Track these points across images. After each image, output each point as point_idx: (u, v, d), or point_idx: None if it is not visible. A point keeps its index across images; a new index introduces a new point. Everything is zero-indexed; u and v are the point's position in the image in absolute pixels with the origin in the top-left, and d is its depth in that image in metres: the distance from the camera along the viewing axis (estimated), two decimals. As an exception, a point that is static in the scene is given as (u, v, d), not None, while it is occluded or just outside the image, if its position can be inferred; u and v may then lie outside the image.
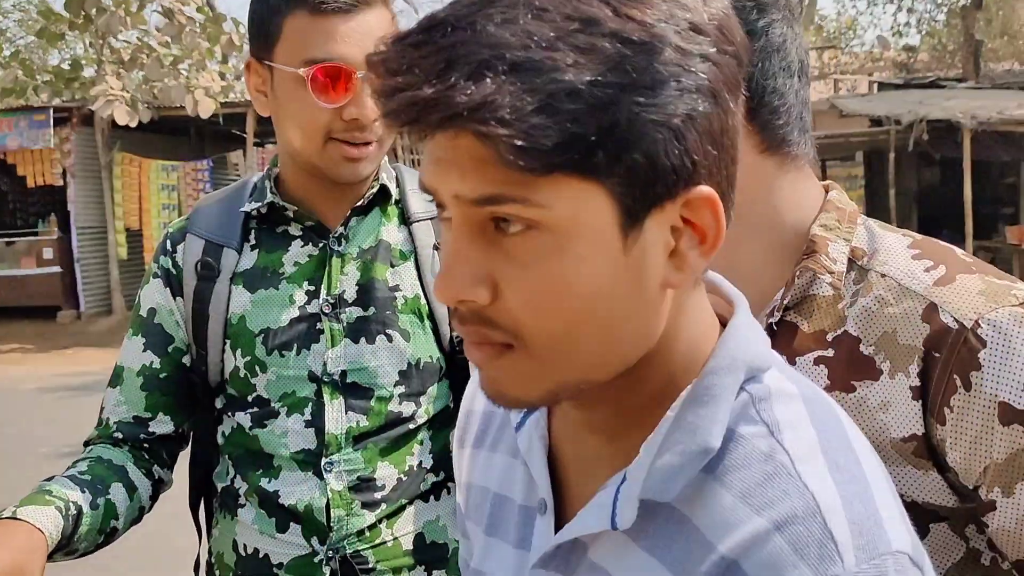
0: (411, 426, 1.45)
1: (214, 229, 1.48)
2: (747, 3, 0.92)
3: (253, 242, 1.48)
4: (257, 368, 1.42)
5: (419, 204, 1.50)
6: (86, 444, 1.49)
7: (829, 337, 0.94)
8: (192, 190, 13.99)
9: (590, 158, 0.60)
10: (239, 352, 1.43)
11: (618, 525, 0.69)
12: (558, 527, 0.76)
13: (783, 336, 0.97)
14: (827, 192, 1.01)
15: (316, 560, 1.40)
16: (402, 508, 1.44)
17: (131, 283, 14.27)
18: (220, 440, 1.49)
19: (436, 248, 1.48)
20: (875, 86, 18.01)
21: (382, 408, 1.42)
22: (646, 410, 0.71)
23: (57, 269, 13.73)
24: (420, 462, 1.45)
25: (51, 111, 13.03)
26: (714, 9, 0.65)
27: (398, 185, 1.52)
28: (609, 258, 0.64)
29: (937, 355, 0.87)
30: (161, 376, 1.47)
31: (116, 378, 1.50)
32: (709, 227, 0.66)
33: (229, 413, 1.47)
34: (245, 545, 1.45)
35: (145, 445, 1.48)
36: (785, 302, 0.96)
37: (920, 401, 0.88)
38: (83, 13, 11.08)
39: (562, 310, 0.64)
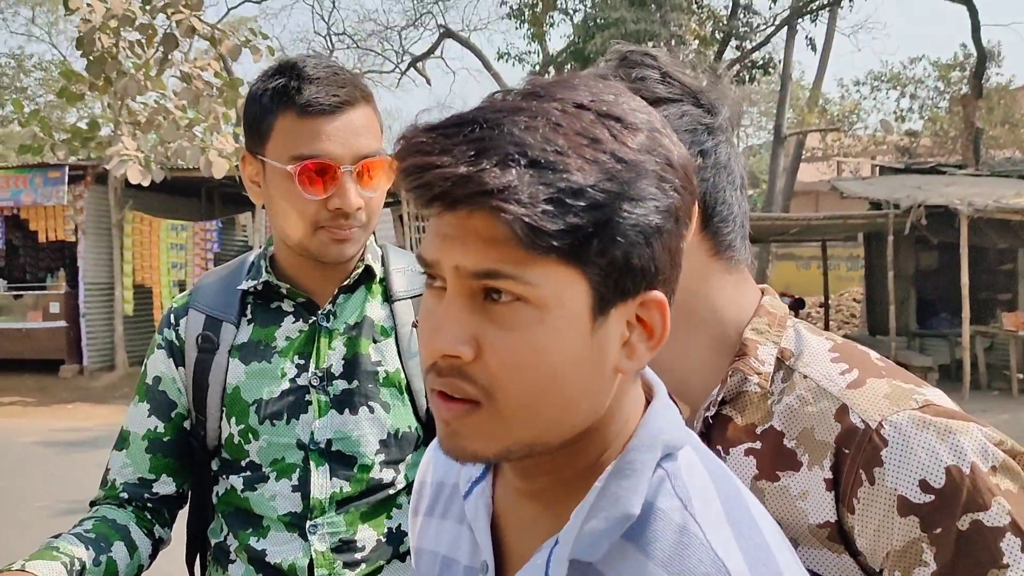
0: (391, 491, 1.54)
1: (214, 304, 1.60)
2: (699, 127, 1.04)
3: (249, 316, 1.59)
4: (250, 435, 1.53)
5: (401, 283, 1.62)
6: (92, 504, 1.59)
7: (758, 431, 1.03)
8: (200, 249, 14.19)
9: (583, 247, 0.73)
10: (234, 420, 1.53)
11: None
12: None
13: (718, 427, 1.07)
14: (762, 295, 1.12)
15: None
16: (380, 568, 1.53)
17: (135, 339, 14.37)
18: (215, 499, 1.59)
19: (415, 326, 1.57)
20: (877, 169, 18.29)
21: (364, 475, 1.52)
22: (580, 480, 0.82)
23: (63, 324, 13.82)
24: (399, 525, 1.55)
25: (66, 169, 13.24)
26: (682, 155, 0.80)
27: (383, 264, 1.63)
28: (579, 336, 0.75)
29: (847, 451, 0.96)
30: (165, 440, 1.58)
31: (122, 441, 1.61)
32: (657, 326, 0.79)
33: (224, 475, 1.56)
34: None
35: (149, 505, 1.58)
36: (720, 397, 1.06)
37: (833, 492, 0.97)
38: (104, 75, 11.35)
39: (534, 372, 0.74)
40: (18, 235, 14.86)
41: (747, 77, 20.66)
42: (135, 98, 12.95)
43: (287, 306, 1.58)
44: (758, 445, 1.03)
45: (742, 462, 1.03)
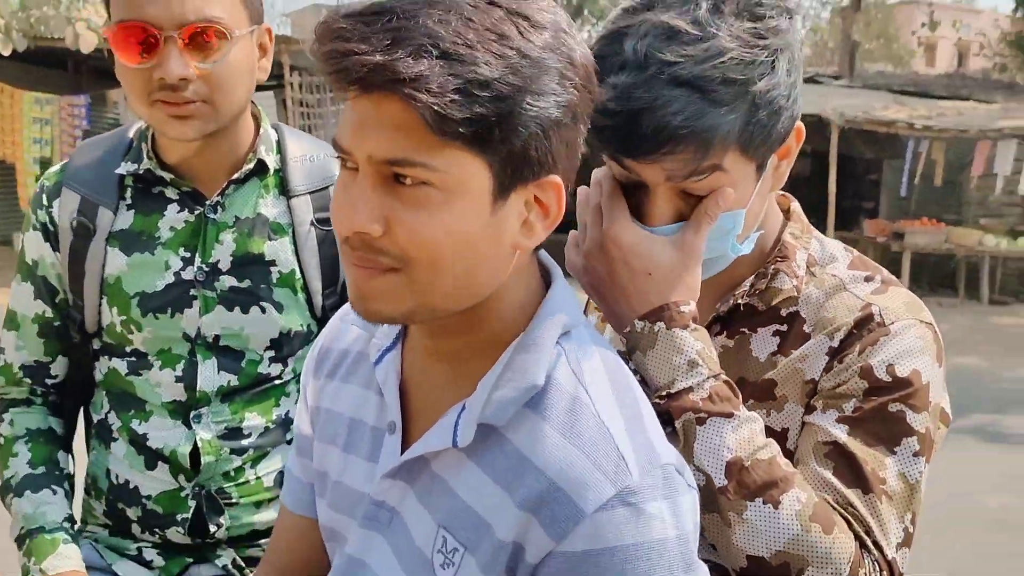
0: (277, 382, 1.55)
1: (90, 185, 1.50)
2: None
3: (129, 202, 1.50)
4: (133, 327, 1.49)
5: (299, 177, 1.54)
6: None
7: (783, 313, 1.20)
8: (68, 125, 13.44)
9: (486, 136, 0.80)
10: (115, 310, 1.49)
11: (458, 443, 0.90)
12: (405, 446, 0.97)
13: (743, 311, 1.21)
14: (790, 204, 1.27)
15: (183, 495, 1.51)
16: (267, 453, 1.56)
17: (-2, 216, 13.70)
18: (98, 376, 1.57)
19: (314, 224, 1.53)
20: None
21: (252, 370, 1.52)
22: (486, 348, 0.92)
23: (-84, 198, 13.07)
24: (287, 412, 1.56)
25: (-83, 31, 12.31)
26: (585, 55, 0.87)
27: (280, 152, 1.55)
28: (480, 216, 0.84)
29: (856, 332, 1.14)
30: (55, 324, 1.56)
31: (11, 322, 1.57)
32: (553, 206, 0.89)
33: (106, 356, 1.54)
34: (117, 475, 1.55)
35: (52, 391, 1.60)
36: (752, 291, 1.20)
37: (828, 357, 1.15)
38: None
39: (438, 247, 0.82)
40: None
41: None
42: (-7, -42, 12.03)
43: (171, 193, 1.50)
44: (784, 327, 1.19)
45: (767, 340, 1.20)
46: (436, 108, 0.76)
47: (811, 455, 1.11)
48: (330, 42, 0.78)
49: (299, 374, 1.57)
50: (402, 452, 0.96)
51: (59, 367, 1.59)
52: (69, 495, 1.55)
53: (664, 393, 1.08)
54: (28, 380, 1.58)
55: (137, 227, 1.50)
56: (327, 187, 1.56)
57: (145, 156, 1.49)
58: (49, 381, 1.59)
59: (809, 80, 16.33)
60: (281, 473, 1.56)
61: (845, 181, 13.68)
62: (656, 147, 1.04)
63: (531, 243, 0.89)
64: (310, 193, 1.54)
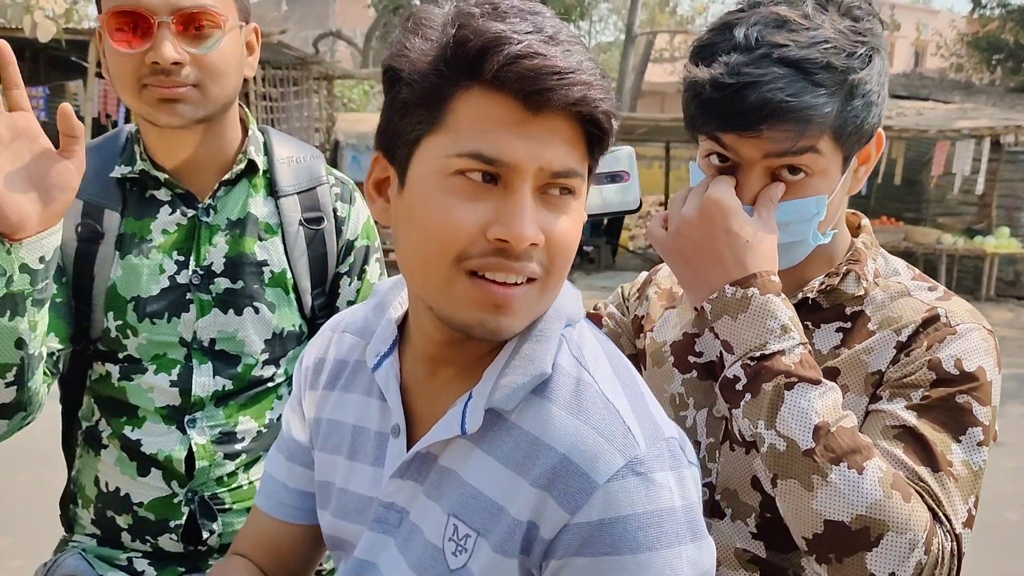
0: (270, 384, 1.55)
1: (91, 190, 1.48)
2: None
3: (122, 205, 1.50)
4: (129, 332, 1.48)
5: (287, 177, 1.56)
6: None
7: (848, 312, 1.25)
8: (24, 117, 13.21)
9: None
10: (111, 315, 1.48)
11: (467, 430, 0.91)
12: (409, 447, 0.98)
13: (814, 308, 1.26)
14: (860, 220, 1.35)
15: (175, 501, 1.50)
16: (259, 457, 1.55)
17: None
18: (87, 382, 1.54)
19: (302, 224, 1.54)
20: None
21: (247, 373, 1.51)
22: (492, 344, 0.94)
23: None
24: (278, 416, 1.56)
25: None
26: None
27: (267, 154, 1.56)
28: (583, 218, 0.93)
29: (923, 329, 1.19)
30: (58, 300, 1.47)
31: None
32: None
33: (98, 361, 1.51)
34: (107, 482, 1.52)
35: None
36: (822, 287, 1.26)
37: (895, 351, 1.19)
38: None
39: (572, 249, 0.90)
40: None
41: (603, -28, 20.62)
42: (-52, -55, 11.77)
43: (162, 195, 1.50)
44: (848, 325, 1.25)
45: (829, 335, 1.25)
46: (604, 123, 0.87)
47: (880, 437, 1.14)
48: (525, 60, 0.82)
49: (291, 376, 1.57)
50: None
51: (51, 342, 1.46)
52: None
53: (757, 355, 1.11)
54: None
55: (130, 230, 1.49)
56: (313, 188, 1.58)
57: (138, 158, 1.49)
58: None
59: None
60: None
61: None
62: (759, 121, 1.11)
63: None
64: (298, 193, 1.56)
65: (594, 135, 0.87)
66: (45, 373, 1.43)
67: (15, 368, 1.28)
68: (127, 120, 11.41)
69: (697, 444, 1.30)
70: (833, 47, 1.12)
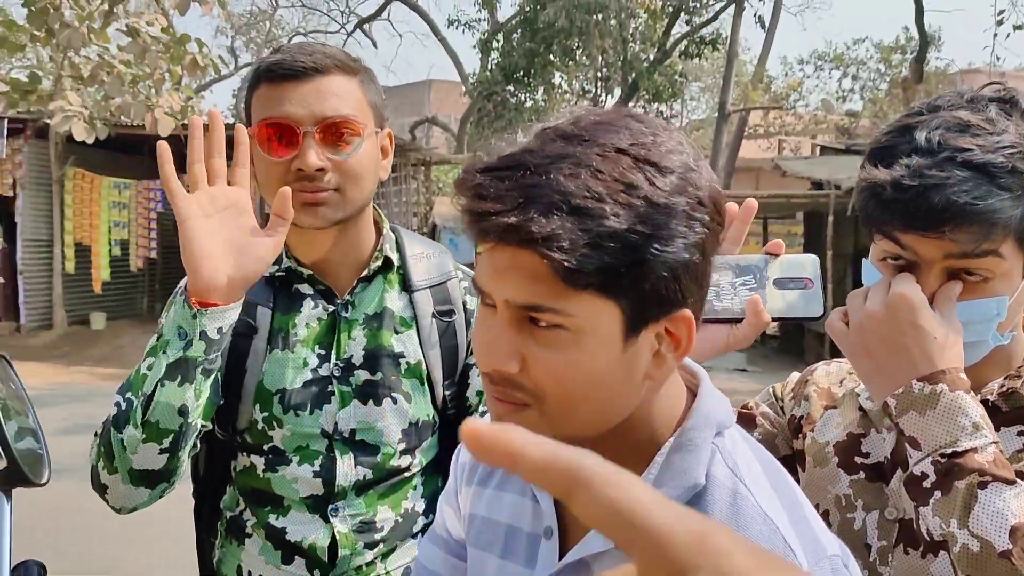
0: (407, 475, 1.59)
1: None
2: None
3: (272, 302, 1.57)
4: (274, 423, 1.54)
5: (420, 272, 1.62)
6: None
7: None
8: (144, 208, 13.94)
9: (616, 282, 0.83)
10: (258, 407, 1.54)
11: None
12: (563, 552, 0.98)
13: (994, 410, 1.23)
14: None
15: None
16: (396, 547, 1.59)
17: (74, 298, 14.09)
18: (232, 473, 1.60)
19: (435, 316, 1.60)
20: (817, 149, 18.63)
21: (386, 463, 1.56)
22: (632, 456, 0.93)
23: (-1, 280, 13.57)
24: (414, 506, 1.60)
25: (5, 122, 12.85)
26: (713, 190, 0.89)
27: (399, 251, 1.64)
28: (612, 353, 0.86)
29: None
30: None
31: None
32: (683, 338, 0.90)
33: (244, 452, 1.58)
34: (250, 571, 1.58)
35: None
36: (1003, 389, 1.23)
37: None
38: (46, 26, 11.03)
39: (572, 384, 0.86)
40: (-48, 188, 14.43)
41: (695, 52, 20.82)
42: (78, 51, 12.60)
43: (306, 289, 1.57)
44: None
45: (1011, 439, 1.21)
46: (567, 264, 0.79)
47: None
48: (469, 199, 0.83)
49: (425, 466, 1.61)
50: (560, 558, 0.98)
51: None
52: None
53: (948, 451, 1.09)
54: None
55: (278, 325, 1.57)
56: (444, 282, 1.64)
57: (284, 256, 1.57)
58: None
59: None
60: (407, 569, 1.59)
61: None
62: (942, 222, 1.10)
63: (663, 374, 0.91)
64: (430, 287, 1.62)
65: (568, 269, 0.80)
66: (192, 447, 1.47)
67: (172, 435, 1.33)
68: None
69: (867, 547, 1.28)
70: (1019, 152, 1.11)
